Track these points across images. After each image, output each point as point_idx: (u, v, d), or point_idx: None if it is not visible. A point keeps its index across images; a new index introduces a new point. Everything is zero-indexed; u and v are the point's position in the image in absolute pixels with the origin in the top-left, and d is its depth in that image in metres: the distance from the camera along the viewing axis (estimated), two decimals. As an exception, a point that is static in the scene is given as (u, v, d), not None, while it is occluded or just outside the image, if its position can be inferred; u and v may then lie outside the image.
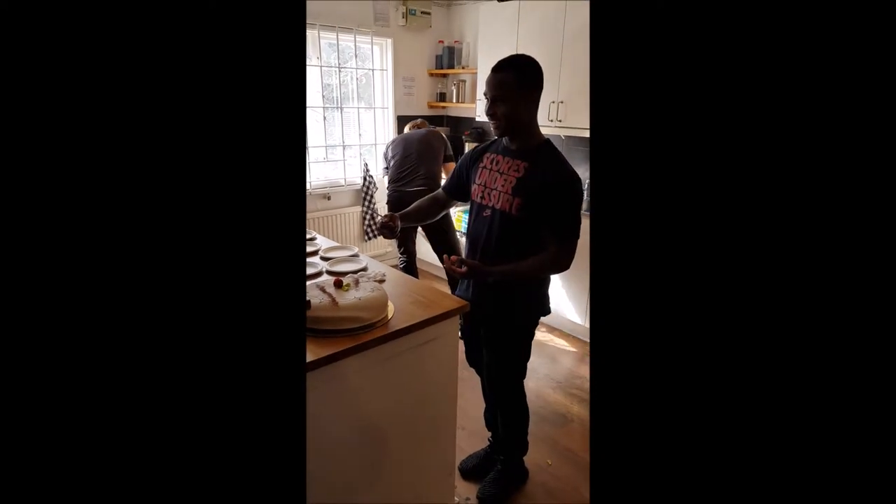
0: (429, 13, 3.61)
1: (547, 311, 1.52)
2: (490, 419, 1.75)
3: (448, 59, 3.71)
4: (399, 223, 1.49)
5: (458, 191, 1.59)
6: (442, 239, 2.88)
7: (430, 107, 3.91)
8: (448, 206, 1.67)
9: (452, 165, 2.54)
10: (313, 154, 3.43)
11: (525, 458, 1.75)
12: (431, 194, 1.70)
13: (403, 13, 3.49)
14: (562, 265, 1.35)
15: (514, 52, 2.92)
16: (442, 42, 3.75)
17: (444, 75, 3.84)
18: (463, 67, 3.67)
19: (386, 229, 1.48)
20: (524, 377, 1.59)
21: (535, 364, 2.54)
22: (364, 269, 1.55)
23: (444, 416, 1.43)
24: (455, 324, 1.35)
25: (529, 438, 1.72)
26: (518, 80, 1.30)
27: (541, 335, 2.89)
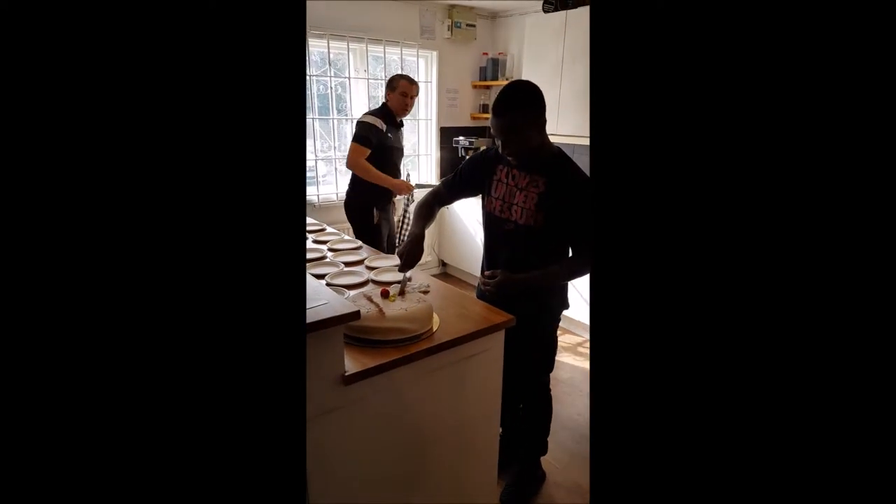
0: (474, 26, 3.63)
1: (567, 305, 1.58)
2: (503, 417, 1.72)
3: (492, 70, 3.72)
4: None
5: (466, 192, 1.62)
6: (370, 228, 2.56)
7: (473, 118, 3.92)
8: (445, 203, 1.67)
9: (355, 146, 2.31)
10: (358, 164, 3.49)
11: (577, 482, 1.73)
12: (433, 192, 1.66)
13: (449, 26, 3.52)
14: (589, 267, 1.43)
15: (560, 63, 2.92)
16: (486, 54, 3.76)
17: (488, 87, 3.85)
18: (507, 79, 3.66)
19: (413, 259, 1.46)
20: (552, 370, 1.62)
21: (585, 388, 2.47)
22: (409, 280, 1.56)
23: (487, 429, 1.41)
24: (500, 338, 1.33)
25: (575, 458, 1.68)
26: (524, 116, 1.31)
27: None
